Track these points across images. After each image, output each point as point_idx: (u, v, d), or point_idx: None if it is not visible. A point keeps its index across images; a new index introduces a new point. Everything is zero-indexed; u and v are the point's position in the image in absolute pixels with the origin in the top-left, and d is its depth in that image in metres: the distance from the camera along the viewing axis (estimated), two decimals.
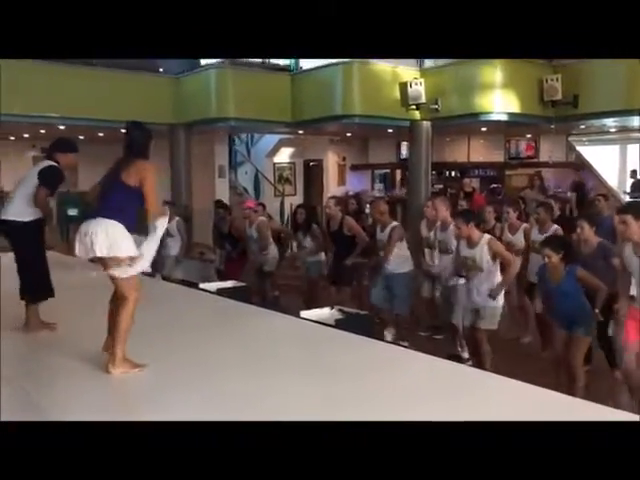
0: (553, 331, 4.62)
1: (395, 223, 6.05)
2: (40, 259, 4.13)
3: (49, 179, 4.01)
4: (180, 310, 5.03)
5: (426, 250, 6.21)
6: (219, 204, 8.61)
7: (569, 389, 4.14)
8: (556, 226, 5.84)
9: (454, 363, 3.95)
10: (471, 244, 4.95)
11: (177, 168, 11.16)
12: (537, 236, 5.64)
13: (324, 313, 5.03)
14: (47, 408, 2.88)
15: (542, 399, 3.01)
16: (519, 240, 5.95)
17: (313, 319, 4.71)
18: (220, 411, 2.76)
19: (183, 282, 6.64)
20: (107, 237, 3.10)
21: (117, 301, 3.24)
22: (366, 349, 3.95)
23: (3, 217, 4.07)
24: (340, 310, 5.11)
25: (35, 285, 4.07)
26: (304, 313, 4.91)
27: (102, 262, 3.21)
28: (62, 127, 10.47)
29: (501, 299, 4.97)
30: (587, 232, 5.13)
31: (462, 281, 5.21)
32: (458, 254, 5.18)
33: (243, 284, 6.38)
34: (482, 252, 4.88)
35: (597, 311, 4.35)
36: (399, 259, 5.89)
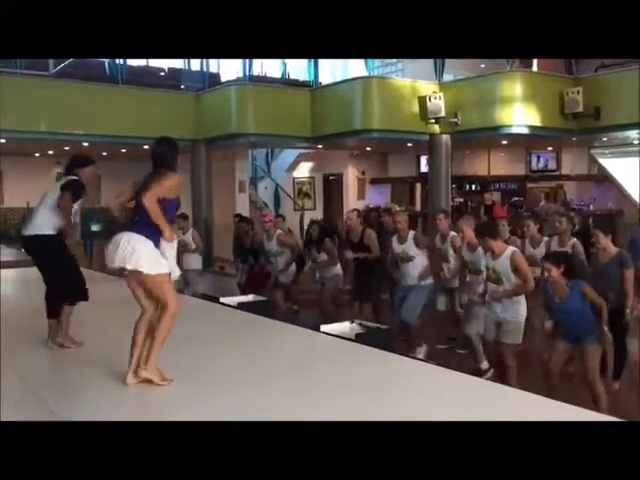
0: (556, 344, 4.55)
1: (414, 232, 6.02)
2: (72, 266, 4.20)
3: (72, 188, 4.06)
4: (200, 324, 5.05)
5: (444, 265, 6.13)
6: (241, 218, 8.66)
7: (593, 404, 4.07)
8: (575, 240, 5.79)
9: (473, 377, 3.87)
10: (495, 255, 4.88)
11: (198, 183, 11.29)
12: (557, 249, 5.58)
13: (344, 327, 5.03)
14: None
15: (557, 412, 2.96)
16: (541, 253, 5.89)
17: (333, 333, 4.71)
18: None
19: (204, 296, 6.67)
20: (148, 254, 3.22)
21: (159, 310, 3.31)
22: (387, 363, 3.93)
23: (28, 233, 4.14)
24: (360, 324, 5.10)
25: (73, 291, 4.11)
26: (324, 327, 4.91)
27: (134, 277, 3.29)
28: (86, 144, 10.66)
29: (524, 313, 4.88)
30: (603, 241, 5.12)
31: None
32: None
33: (263, 298, 6.40)
34: (504, 265, 4.79)
35: (606, 328, 4.30)
36: (421, 268, 5.83)
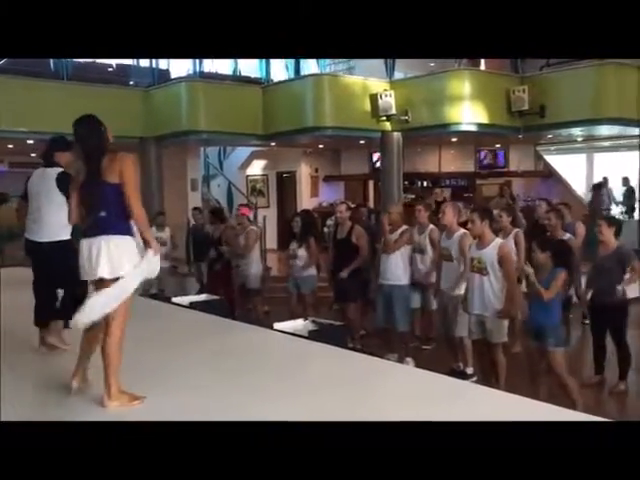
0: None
1: (406, 227, 5.93)
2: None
3: (68, 182, 3.58)
4: (152, 325, 4.96)
5: (417, 256, 6.02)
6: (214, 211, 8.52)
7: (570, 404, 4.05)
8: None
9: (433, 373, 3.83)
10: (481, 245, 4.80)
11: (148, 182, 11.05)
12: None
13: (298, 324, 5.03)
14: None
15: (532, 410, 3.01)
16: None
17: (287, 331, 4.70)
18: None
19: (153, 296, 6.57)
20: (117, 256, 2.89)
21: (106, 327, 2.96)
22: (341, 360, 3.95)
23: (38, 239, 3.89)
24: (314, 321, 5.11)
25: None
26: (278, 325, 4.90)
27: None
28: (31, 141, 10.31)
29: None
30: (605, 232, 5.03)
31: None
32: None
33: (216, 297, 6.33)
34: (491, 255, 4.70)
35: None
36: (399, 268, 5.79)
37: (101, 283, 2.96)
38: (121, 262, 2.91)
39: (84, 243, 2.97)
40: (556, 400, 3.69)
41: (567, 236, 5.63)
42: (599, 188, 12.28)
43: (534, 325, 4.43)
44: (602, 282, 5.09)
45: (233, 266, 7.40)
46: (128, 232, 2.98)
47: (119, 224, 2.95)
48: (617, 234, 5.13)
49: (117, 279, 2.90)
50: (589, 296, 5.34)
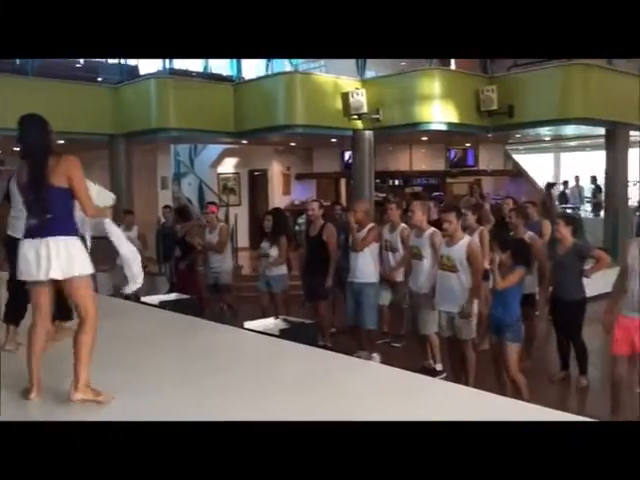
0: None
1: (373, 224, 5.95)
2: None
3: None
4: (122, 324, 4.89)
5: (389, 254, 6.08)
6: (178, 209, 8.48)
7: (517, 396, 4.15)
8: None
9: (401, 370, 3.79)
10: (451, 242, 4.87)
11: (117, 180, 10.92)
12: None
13: (269, 323, 5.01)
14: None
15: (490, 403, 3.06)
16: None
17: (257, 329, 4.68)
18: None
19: (126, 297, 6.47)
20: (82, 255, 2.93)
21: (80, 322, 3.00)
22: (312, 359, 3.95)
23: (18, 236, 3.79)
24: (285, 320, 5.10)
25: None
26: (248, 324, 4.88)
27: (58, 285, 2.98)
28: None
29: (475, 306, 4.87)
30: (563, 230, 5.13)
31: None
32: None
33: (187, 296, 6.28)
34: (460, 252, 4.79)
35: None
36: (368, 266, 5.79)
37: (43, 284, 2.94)
38: (72, 262, 2.91)
39: (27, 244, 2.93)
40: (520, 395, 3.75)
41: (528, 234, 5.71)
42: (550, 188, 12.52)
43: (494, 320, 4.52)
44: (561, 279, 5.20)
45: (199, 265, 7.39)
46: (75, 232, 3.00)
47: (66, 225, 2.96)
48: (574, 232, 5.26)
49: (69, 279, 2.91)
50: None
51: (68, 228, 2.96)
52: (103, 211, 3.25)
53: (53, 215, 2.91)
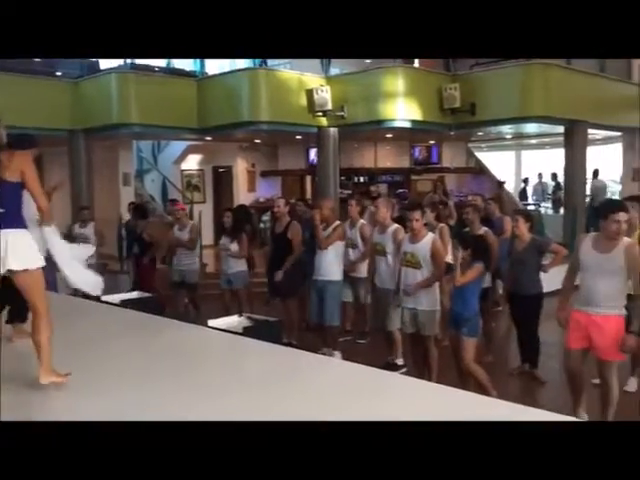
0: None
1: (339, 222, 5.97)
2: None
3: None
4: (82, 323, 4.79)
5: (350, 251, 6.13)
6: (135, 207, 8.42)
7: (480, 391, 4.15)
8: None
9: (363, 366, 3.77)
10: (414, 239, 4.91)
11: (77, 176, 10.69)
12: None
13: (232, 321, 4.97)
14: None
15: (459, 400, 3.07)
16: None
17: (221, 328, 4.64)
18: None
19: (82, 295, 6.33)
20: (22, 249, 2.97)
21: (33, 321, 3.08)
22: (277, 356, 3.92)
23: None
24: (249, 317, 5.07)
25: None
26: (212, 322, 4.83)
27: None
28: None
29: (437, 303, 4.92)
30: (522, 227, 5.23)
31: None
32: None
33: (149, 295, 6.19)
34: (424, 249, 4.83)
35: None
36: (333, 264, 5.79)
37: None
38: (27, 253, 3.00)
39: None
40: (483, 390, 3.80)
41: (483, 230, 5.79)
42: (501, 186, 12.77)
43: (453, 315, 4.60)
44: (519, 274, 5.30)
45: (164, 262, 7.32)
46: (25, 226, 3.08)
47: (18, 219, 3.03)
48: (531, 228, 5.39)
49: (24, 270, 2.99)
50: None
51: (19, 222, 3.03)
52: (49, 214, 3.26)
53: (6, 210, 2.97)
